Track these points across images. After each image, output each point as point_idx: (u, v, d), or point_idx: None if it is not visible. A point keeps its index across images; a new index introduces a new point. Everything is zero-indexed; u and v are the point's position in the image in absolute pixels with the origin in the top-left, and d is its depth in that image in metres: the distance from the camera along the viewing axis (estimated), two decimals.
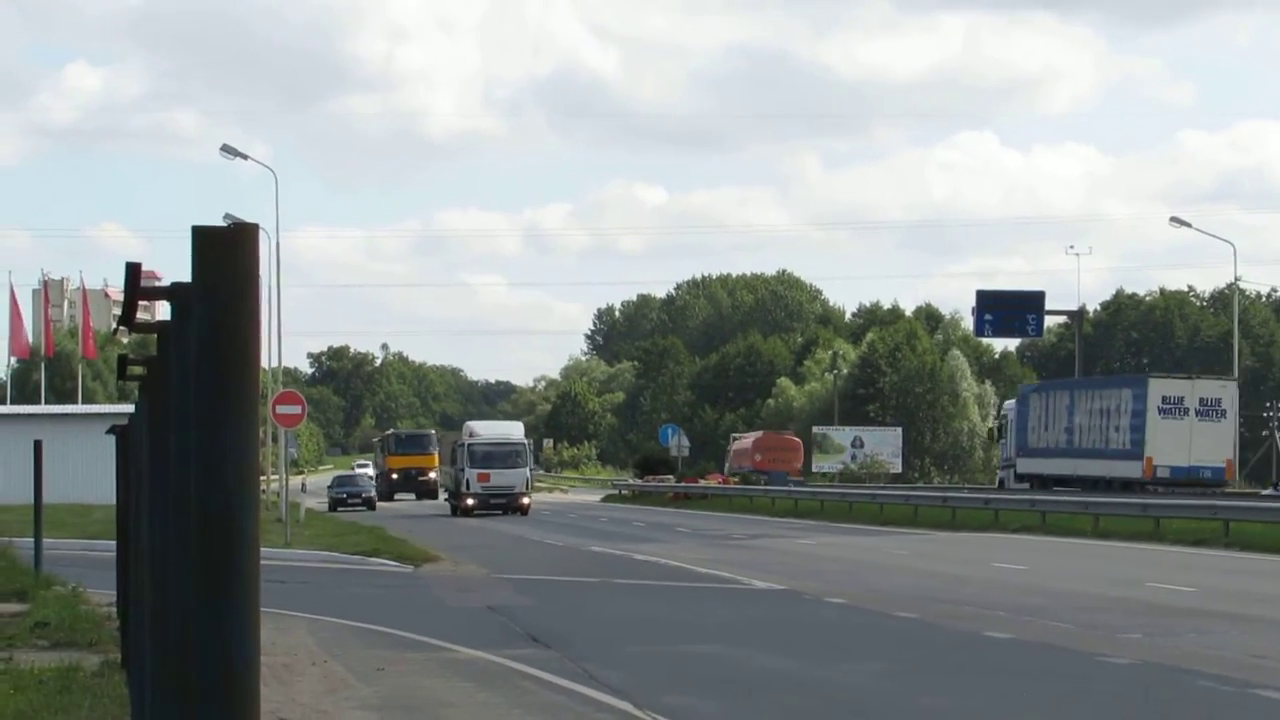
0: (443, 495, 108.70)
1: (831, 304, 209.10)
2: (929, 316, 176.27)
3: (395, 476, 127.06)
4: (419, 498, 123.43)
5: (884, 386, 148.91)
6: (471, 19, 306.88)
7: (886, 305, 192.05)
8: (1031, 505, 69.55)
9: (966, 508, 73.88)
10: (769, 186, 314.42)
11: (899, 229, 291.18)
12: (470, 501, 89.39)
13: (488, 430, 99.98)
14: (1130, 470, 76.62)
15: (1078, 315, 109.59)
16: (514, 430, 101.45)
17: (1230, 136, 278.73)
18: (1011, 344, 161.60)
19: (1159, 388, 78.67)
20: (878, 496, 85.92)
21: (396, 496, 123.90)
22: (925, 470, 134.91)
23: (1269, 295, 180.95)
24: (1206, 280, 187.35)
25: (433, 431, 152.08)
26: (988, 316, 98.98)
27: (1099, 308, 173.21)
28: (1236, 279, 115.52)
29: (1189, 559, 46.02)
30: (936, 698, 21.34)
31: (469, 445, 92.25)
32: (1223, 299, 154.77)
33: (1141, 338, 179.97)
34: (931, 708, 20.57)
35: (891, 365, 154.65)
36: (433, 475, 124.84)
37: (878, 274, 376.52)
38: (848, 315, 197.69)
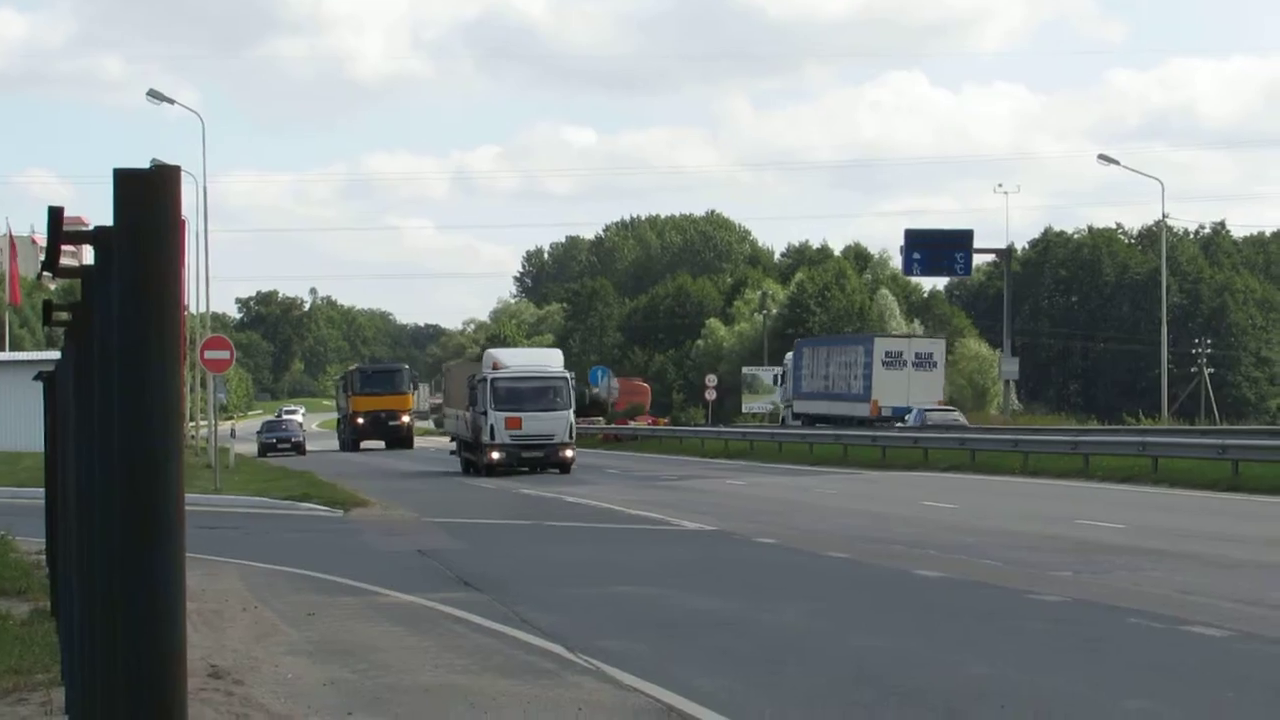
0: (450, 447, 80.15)
1: (760, 244, 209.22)
2: (858, 256, 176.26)
3: (361, 421, 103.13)
4: (389, 446, 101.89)
5: (813, 326, 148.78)
6: None
7: (816, 245, 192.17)
8: (961, 444, 69.83)
9: (896, 447, 74.14)
10: (698, 128, 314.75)
11: (828, 169, 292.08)
12: (496, 456, 64.72)
13: (518, 359, 72.17)
14: (862, 410, 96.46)
15: (1006, 254, 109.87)
16: (552, 359, 73.10)
17: (1159, 74, 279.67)
18: (940, 283, 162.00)
19: (882, 345, 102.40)
20: (807, 436, 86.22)
21: (363, 445, 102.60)
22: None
23: (1196, 232, 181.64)
24: (1135, 218, 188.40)
25: (406, 365, 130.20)
26: (916, 255, 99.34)
27: (1027, 246, 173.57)
28: (1164, 216, 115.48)
29: (1118, 496, 46.22)
30: (869, 637, 21.38)
31: (493, 380, 65.50)
32: (1150, 236, 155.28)
33: (1070, 275, 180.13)
34: (864, 647, 20.59)
35: (821, 305, 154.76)
36: (406, 419, 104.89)
37: (807, 214, 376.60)
38: (777, 256, 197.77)
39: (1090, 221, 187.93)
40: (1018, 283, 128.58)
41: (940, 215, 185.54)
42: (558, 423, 65.08)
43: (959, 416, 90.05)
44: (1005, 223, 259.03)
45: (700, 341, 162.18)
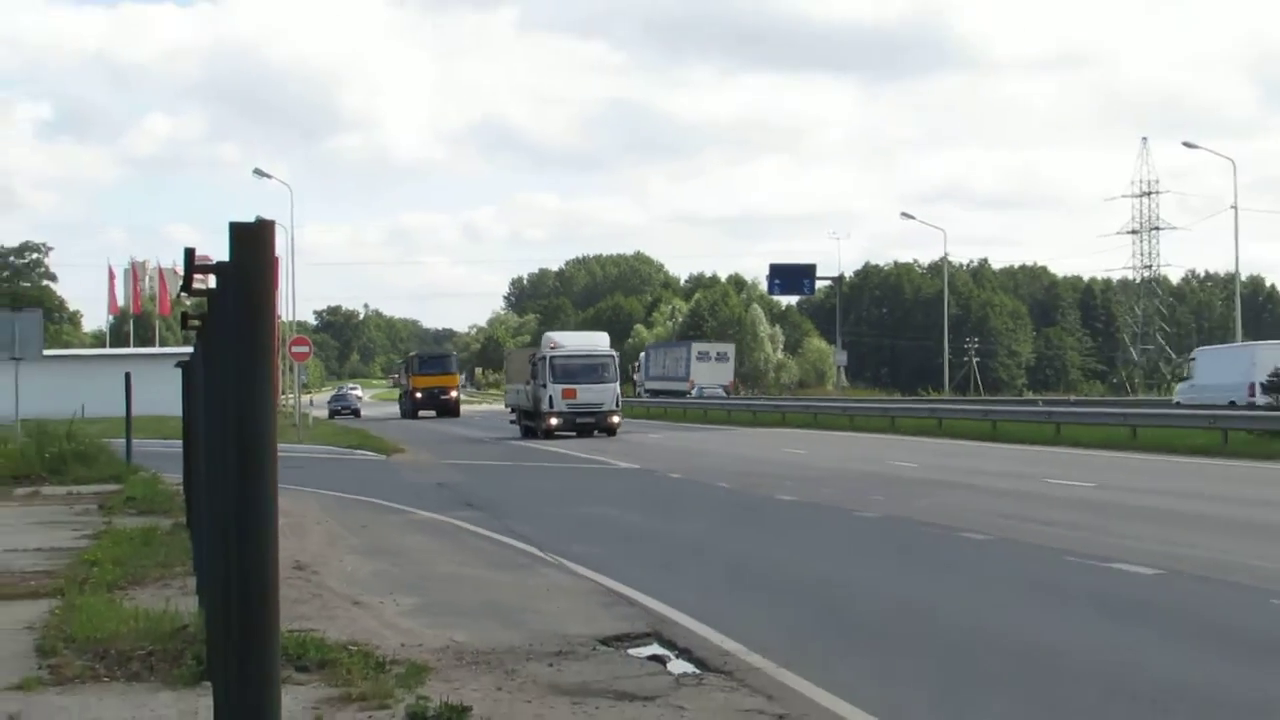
0: (510, 416, 71.96)
1: (671, 274, 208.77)
2: (737, 282, 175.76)
3: (419, 395, 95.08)
4: (439, 415, 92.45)
5: (707, 331, 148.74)
6: (426, 80, 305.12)
7: (709, 274, 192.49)
8: (806, 408, 70.09)
9: (765, 411, 74.41)
10: (630, 195, 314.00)
11: (719, 223, 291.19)
12: (554, 421, 57.93)
13: (572, 340, 64.86)
14: (684, 387, 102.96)
15: (838, 280, 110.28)
16: (600, 340, 65.15)
17: (944, 159, 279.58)
18: (794, 300, 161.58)
19: (697, 347, 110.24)
20: (705, 404, 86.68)
21: (420, 414, 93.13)
22: (736, 387, 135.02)
23: (968, 265, 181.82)
24: (926, 255, 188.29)
25: (454, 352, 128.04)
26: (777, 281, 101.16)
27: (853, 275, 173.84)
28: (945, 255, 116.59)
29: (916, 445, 46.24)
30: (745, 542, 21.38)
31: (551, 358, 58.92)
32: (936, 268, 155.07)
33: (882, 295, 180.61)
34: (742, 548, 20.59)
35: (712, 315, 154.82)
36: (454, 394, 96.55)
37: (703, 254, 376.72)
38: (682, 282, 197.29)
39: (896, 258, 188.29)
40: (846, 300, 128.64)
41: (794, 254, 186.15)
42: (606, 393, 58.18)
43: (720, 391, 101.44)
44: (838, 259, 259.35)
45: (630, 340, 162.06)
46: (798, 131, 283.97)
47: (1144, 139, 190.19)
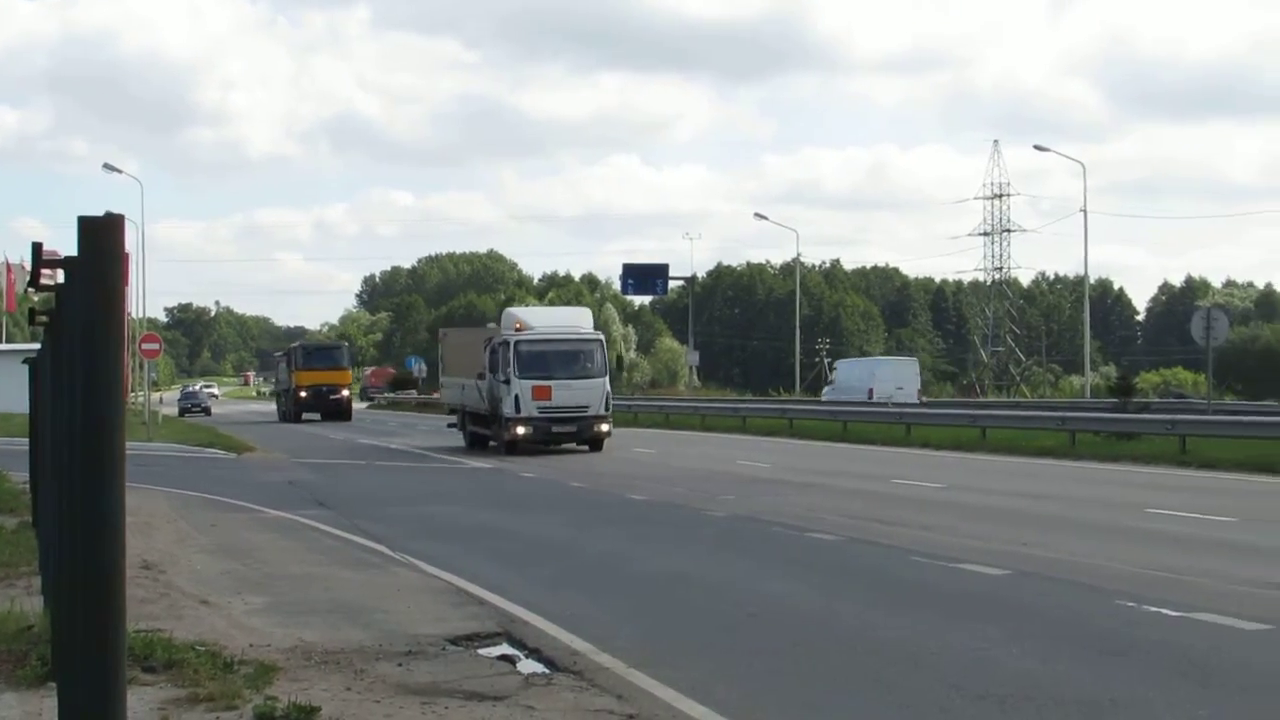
0: (449, 420, 53.18)
1: (524, 273, 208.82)
2: (590, 282, 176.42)
3: (304, 395, 78.80)
4: (325, 418, 77.42)
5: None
6: (279, 76, 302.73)
7: (562, 274, 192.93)
8: (659, 408, 70.26)
9: (617, 410, 74.22)
10: (483, 192, 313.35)
11: (571, 221, 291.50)
12: (520, 430, 42.19)
13: (544, 318, 47.25)
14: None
15: (690, 280, 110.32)
16: (582, 318, 47.36)
17: (796, 159, 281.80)
18: (647, 300, 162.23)
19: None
20: None
21: (304, 417, 78.22)
22: None
23: (820, 266, 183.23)
24: (779, 256, 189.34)
25: (346, 343, 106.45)
26: (630, 281, 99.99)
27: (706, 275, 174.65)
28: (798, 255, 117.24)
29: (767, 445, 46.57)
30: (600, 542, 21.44)
31: (515, 344, 42.55)
32: (789, 269, 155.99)
33: (735, 295, 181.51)
34: (593, 548, 20.67)
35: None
36: (345, 393, 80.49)
37: (556, 252, 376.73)
38: (535, 280, 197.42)
39: (749, 259, 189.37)
40: (698, 300, 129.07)
41: (647, 254, 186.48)
42: (592, 392, 42.09)
43: None
44: (691, 259, 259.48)
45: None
46: (651, 130, 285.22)
47: (995, 142, 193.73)
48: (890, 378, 71.44)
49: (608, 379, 43.15)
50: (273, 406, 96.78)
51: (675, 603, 15.67)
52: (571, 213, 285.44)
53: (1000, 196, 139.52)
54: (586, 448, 42.32)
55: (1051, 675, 11.28)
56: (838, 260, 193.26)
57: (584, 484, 31.30)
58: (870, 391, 67.45)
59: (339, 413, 77.79)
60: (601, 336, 45.00)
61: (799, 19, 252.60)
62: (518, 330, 43.00)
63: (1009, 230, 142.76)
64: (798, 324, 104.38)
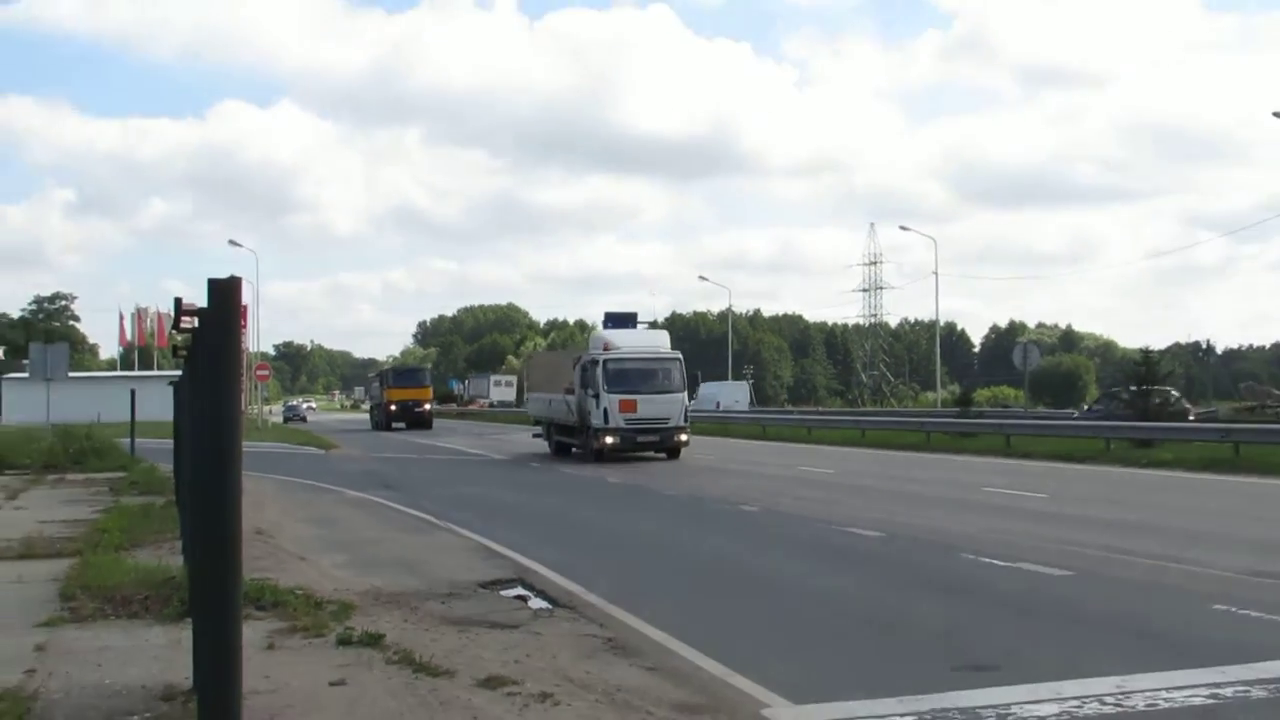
0: (534, 430, 45.10)
1: (534, 319, 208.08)
2: (581, 325, 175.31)
3: (393, 408, 72.50)
4: (409, 427, 69.93)
5: None
6: (356, 176, 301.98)
7: (561, 319, 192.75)
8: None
9: None
10: (505, 261, 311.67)
11: (568, 282, 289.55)
12: (609, 440, 35.84)
13: (628, 340, 39.52)
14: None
15: (652, 324, 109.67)
16: (661, 340, 41.12)
17: (729, 237, 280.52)
18: None
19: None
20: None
21: (394, 426, 71.00)
22: None
23: (746, 314, 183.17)
24: (716, 307, 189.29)
25: (428, 366, 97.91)
26: (609, 324, 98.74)
27: (663, 320, 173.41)
28: (730, 306, 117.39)
29: (707, 443, 46.30)
30: (585, 513, 21.37)
31: (604, 362, 36.78)
32: (723, 316, 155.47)
33: (684, 336, 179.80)
34: (583, 518, 20.61)
35: (563, 348, 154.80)
36: (427, 406, 73.58)
37: (559, 304, 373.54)
38: (542, 324, 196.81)
39: (694, 309, 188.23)
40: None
41: (622, 305, 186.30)
42: (673, 405, 36.12)
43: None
44: (653, 309, 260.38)
45: (504, 367, 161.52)
46: (625, 216, 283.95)
47: (871, 224, 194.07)
48: (730, 394, 78.88)
49: (685, 394, 36.77)
50: (356, 416, 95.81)
51: (644, 557, 15.63)
52: (569, 275, 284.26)
53: (875, 263, 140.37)
54: (665, 455, 35.78)
55: (913, 609, 11.27)
56: (759, 309, 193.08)
57: (575, 473, 31.20)
58: (718, 404, 71.09)
59: (421, 422, 71.14)
60: (680, 355, 38.11)
61: (731, 137, 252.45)
62: (606, 350, 36.57)
63: (881, 288, 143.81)
64: (730, 355, 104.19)
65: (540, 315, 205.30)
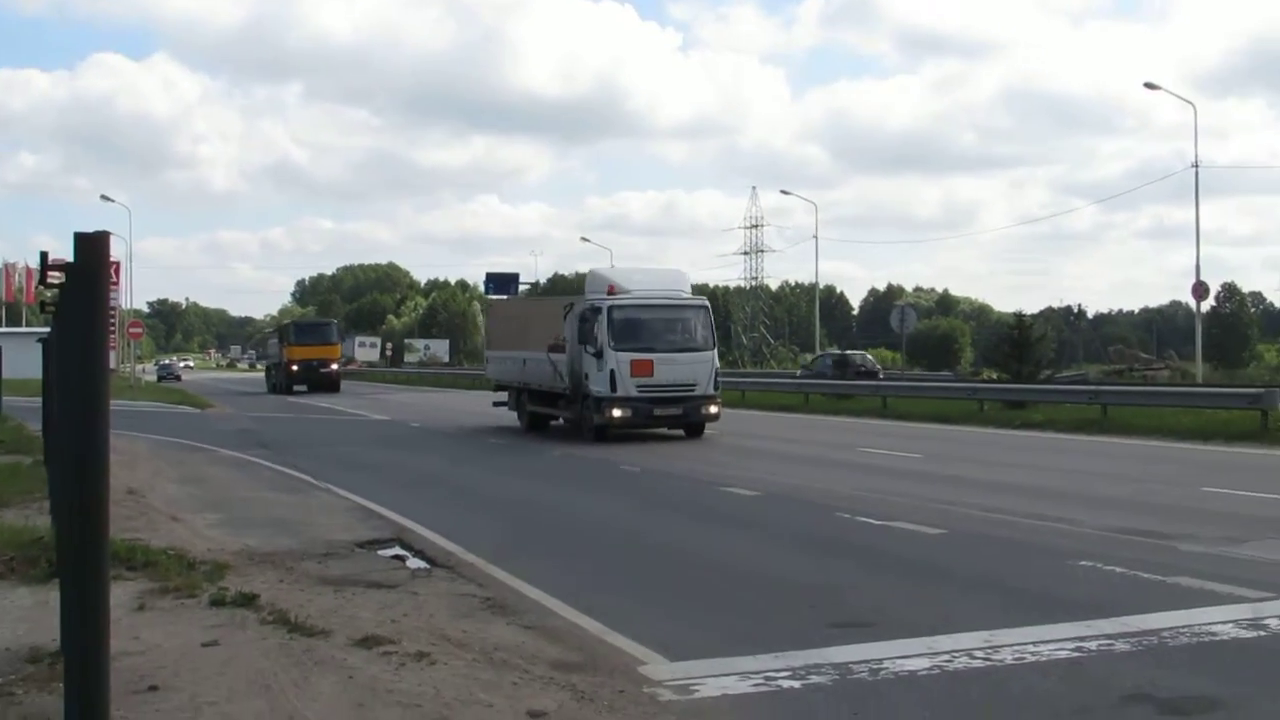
0: (498, 397, 34.07)
1: (415, 279, 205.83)
2: (462, 286, 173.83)
3: (295, 368, 62.69)
4: (313, 389, 61.27)
5: (441, 320, 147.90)
6: (236, 132, 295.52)
7: (442, 279, 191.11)
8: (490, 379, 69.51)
9: (483, 377, 73.74)
10: (385, 220, 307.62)
11: (449, 242, 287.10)
12: (618, 413, 25.98)
13: (639, 280, 27.64)
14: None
15: (534, 285, 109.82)
16: (680, 281, 28.52)
17: (612, 199, 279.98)
18: (504, 298, 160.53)
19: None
20: (439, 374, 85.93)
21: (295, 389, 61.86)
22: (461, 361, 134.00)
23: None
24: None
25: (335, 321, 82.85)
26: (491, 285, 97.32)
27: (546, 281, 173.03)
28: (612, 267, 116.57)
29: None
30: (465, 474, 21.32)
31: (609, 310, 26.24)
32: None
33: (566, 297, 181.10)
34: (463, 478, 20.55)
35: (444, 310, 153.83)
36: (334, 366, 64.47)
37: (439, 264, 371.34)
38: (423, 284, 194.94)
39: (576, 270, 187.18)
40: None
41: (504, 266, 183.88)
42: (700, 367, 26.71)
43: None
44: (536, 270, 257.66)
45: (384, 326, 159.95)
46: (507, 177, 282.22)
47: (753, 187, 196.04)
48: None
49: (715, 352, 27.45)
50: (236, 375, 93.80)
51: (523, 517, 15.63)
52: (450, 235, 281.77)
53: (756, 227, 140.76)
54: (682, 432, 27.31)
55: (790, 568, 11.40)
56: None
57: (455, 434, 31.08)
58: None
59: (328, 384, 62.72)
60: (706, 302, 28.38)
61: (615, 98, 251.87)
62: (611, 295, 26.77)
63: (762, 251, 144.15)
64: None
65: (421, 275, 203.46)
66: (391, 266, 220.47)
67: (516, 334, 32.13)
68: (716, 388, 26.96)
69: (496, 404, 33.82)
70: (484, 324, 32.50)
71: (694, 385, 26.50)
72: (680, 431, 27.37)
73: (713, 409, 26.76)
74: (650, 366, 26.20)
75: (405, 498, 17.17)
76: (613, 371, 25.99)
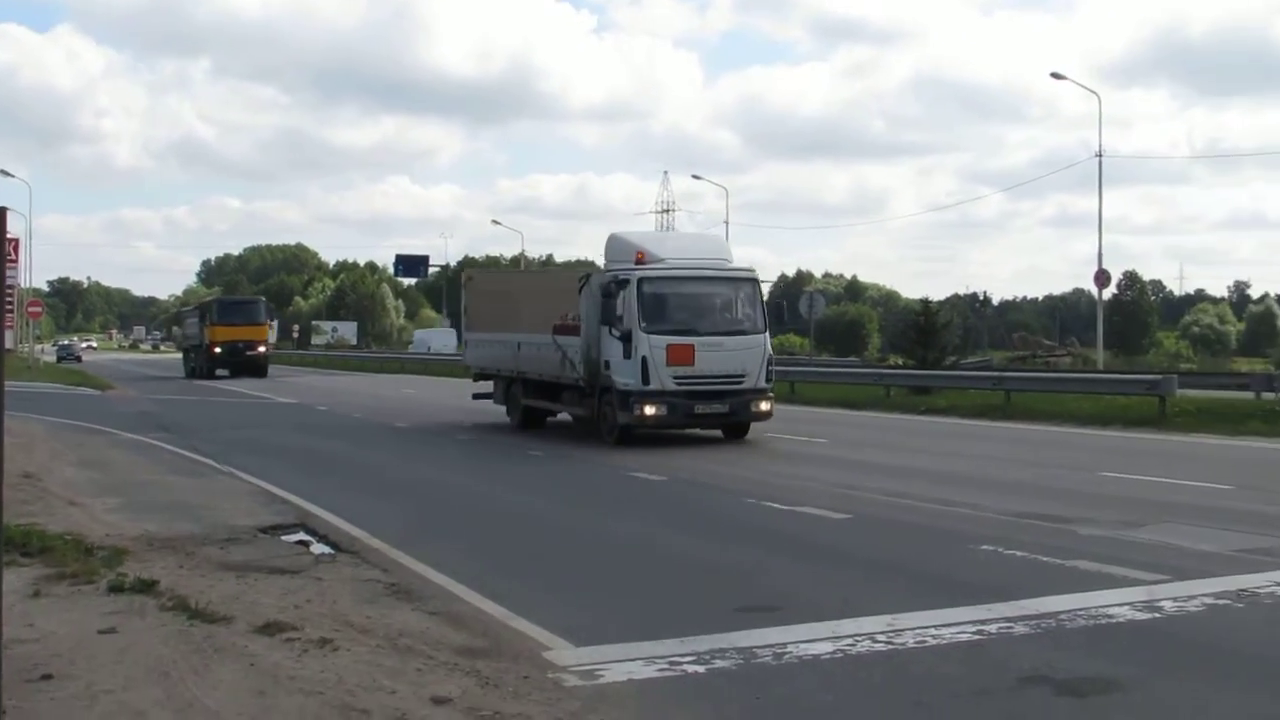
0: (478, 388, 28.15)
1: (323, 260, 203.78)
2: (371, 267, 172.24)
3: (218, 350, 55.86)
4: (235, 374, 55.04)
5: (350, 303, 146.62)
6: (141, 108, 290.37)
7: (351, 260, 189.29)
8: (423, 363, 69.06)
9: (388, 360, 73.28)
10: (294, 200, 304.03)
11: (358, 223, 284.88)
12: (651, 411, 20.57)
13: (674, 247, 22.55)
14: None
15: (444, 267, 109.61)
16: (721, 249, 23.03)
17: (523, 181, 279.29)
18: (413, 281, 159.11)
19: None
20: (346, 356, 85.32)
21: (218, 373, 55.56)
22: (369, 344, 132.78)
23: (538, 259, 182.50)
24: (510, 252, 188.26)
25: (263, 298, 72.86)
26: (401, 266, 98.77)
27: (456, 264, 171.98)
28: (522, 251, 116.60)
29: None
30: (372, 458, 21.16)
31: (639, 282, 20.64)
32: (516, 261, 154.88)
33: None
34: (370, 462, 20.39)
35: (353, 291, 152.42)
36: (262, 349, 57.54)
37: (348, 245, 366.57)
38: (331, 265, 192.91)
39: (487, 253, 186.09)
40: (451, 281, 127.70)
41: (414, 248, 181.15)
42: (751, 355, 21.39)
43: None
44: (446, 252, 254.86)
45: (291, 307, 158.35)
46: (418, 158, 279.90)
47: (665, 172, 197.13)
48: (440, 340, 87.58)
49: (768, 336, 22.13)
50: (139, 356, 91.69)
51: (429, 502, 15.57)
52: (359, 217, 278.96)
53: (668, 211, 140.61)
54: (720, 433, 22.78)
55: (697, 553, 11.44)
56: (551, 255, 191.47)
57: (363, 416, 30.84)
58: (429, 348, 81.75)
59: (254, 368, 56.05)
60: (755, 273, 22.84)
61: (528, 80, 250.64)
62: (641, 264, 21.56)
63: None
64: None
65: (330, 256, 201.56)
66: (299, 247, 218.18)
67: (506, 312, 26.64)
68: (770, 379, 22.06)
69: (477, 396, 28.46)
70: (465, 301, 29.00)
71: (743, 376, 21.55)
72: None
73: (764, 405, 21.91)
74: (690, 353, 21.13)
75: (310, 482, 17.01)
76: (645, 359, 20.92)
